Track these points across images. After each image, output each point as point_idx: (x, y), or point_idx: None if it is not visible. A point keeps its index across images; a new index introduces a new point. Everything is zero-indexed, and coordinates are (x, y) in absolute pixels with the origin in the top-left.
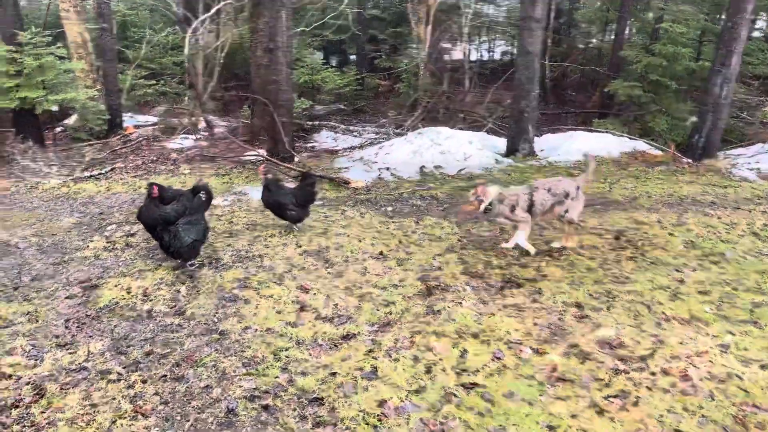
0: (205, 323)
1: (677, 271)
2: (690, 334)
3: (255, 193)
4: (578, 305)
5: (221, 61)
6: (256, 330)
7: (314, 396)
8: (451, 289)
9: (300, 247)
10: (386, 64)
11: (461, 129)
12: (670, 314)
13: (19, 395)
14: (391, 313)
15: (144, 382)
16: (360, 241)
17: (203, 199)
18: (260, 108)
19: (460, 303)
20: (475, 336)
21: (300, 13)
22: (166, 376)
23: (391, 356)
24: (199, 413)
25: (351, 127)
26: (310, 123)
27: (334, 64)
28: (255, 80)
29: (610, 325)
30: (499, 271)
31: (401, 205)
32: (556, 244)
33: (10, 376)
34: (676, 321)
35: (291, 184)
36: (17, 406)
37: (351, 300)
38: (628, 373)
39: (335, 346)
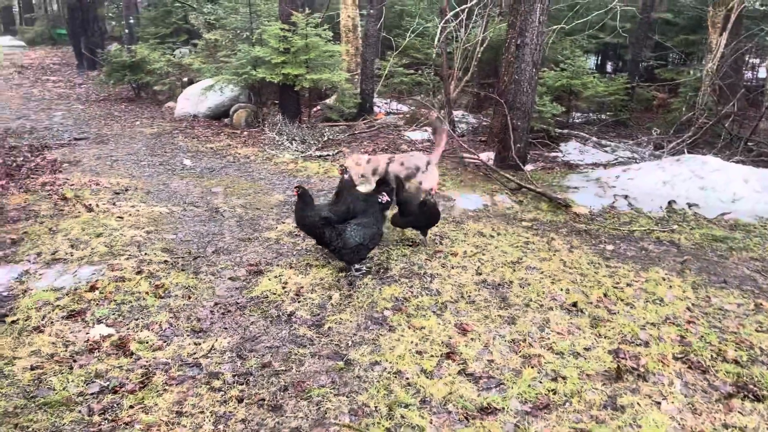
0: (336, 344)
1: None
2: None
3: (462, 200)
4: None
5: (479, 56)
6: (385, 369)
7: None
8: (652, 378)
9: (480, 275)
10: (668, 75)
11: (741, 162)
12: None
13: (126, 379)
14: (555, 392)
15: (240, 401)
16: (554, 282)
17: (381, 201)
18: (500, 108)
19: (659, 403)
20: None
21: (574, 9)
22: (264, 401)
23: None
24: None
25: (603, 141)
26: (559, 131)
27: (609, 70)
28: (503, 78)
29: None
30: (733, 368)
31: (627, 246)
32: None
33: (131, 354)
34: None
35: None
36: (116, 392)
37: (512, 359)
38: None
39: (466, 419)
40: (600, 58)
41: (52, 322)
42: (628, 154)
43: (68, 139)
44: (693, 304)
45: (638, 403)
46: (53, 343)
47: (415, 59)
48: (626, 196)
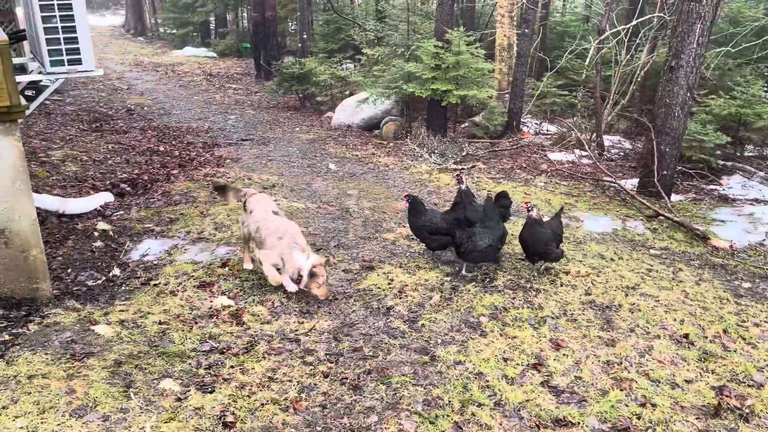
0: (426, 340)
1: None
2: None
3: (590, 222)
4: None
5: (638, 79)
6: (467, 369)
7: None
8: (755, 420)
9: (588, 295)
10: None
11: None
12: None
13: (234, 344)
14: (639, 417)
15: (326, 376)
16: (668, 311)
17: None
18: (648, 133)
19: None
20: None
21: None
22: (347, 379)
23: None
24: None
25: None
26: (723, 163)
27: None
28: (658, 102)
29: None
30: None
31: (767, 285)
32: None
33: (243, 324)
34: None
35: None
36: (223, 353)
37: (602, 379)
38: None
39: (537, 427)
40: None
41: (185, 289)
42: None
43: (236, 139)
44: None
45: None
46: (182, 305)
47: (572, 81)
48: None
